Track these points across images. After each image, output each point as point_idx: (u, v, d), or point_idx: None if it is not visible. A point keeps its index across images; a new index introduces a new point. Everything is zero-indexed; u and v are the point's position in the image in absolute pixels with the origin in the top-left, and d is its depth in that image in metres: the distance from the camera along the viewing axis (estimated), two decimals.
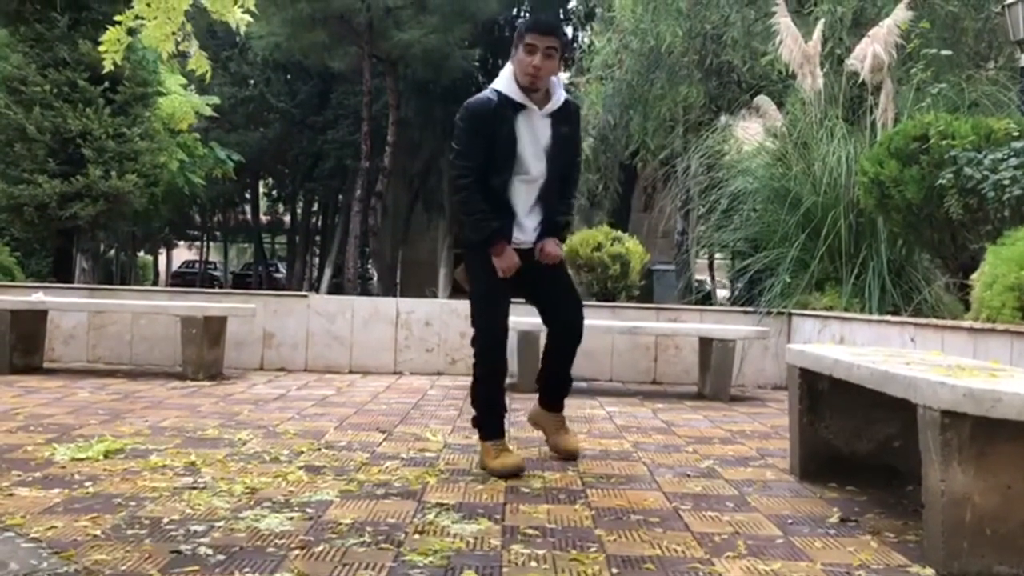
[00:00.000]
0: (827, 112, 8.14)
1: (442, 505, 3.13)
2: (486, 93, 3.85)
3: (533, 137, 3.80)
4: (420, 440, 4.47)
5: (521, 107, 3.77)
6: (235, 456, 3.89)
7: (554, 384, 4.11)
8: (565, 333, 4.00)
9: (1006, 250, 4.76)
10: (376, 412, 5.42)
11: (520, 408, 5.79)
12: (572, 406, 5.87)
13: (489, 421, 3.82)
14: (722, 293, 13.67)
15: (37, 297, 7.30)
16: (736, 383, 7.11)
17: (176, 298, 8.50)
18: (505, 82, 3.81)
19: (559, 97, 3.85)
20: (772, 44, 9.02)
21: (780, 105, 9.07)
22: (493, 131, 3.73)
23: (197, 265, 39.63)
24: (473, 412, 3.88)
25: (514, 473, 3.63)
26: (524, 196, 3.86)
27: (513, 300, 3.92)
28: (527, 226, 3.87)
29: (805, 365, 3.76)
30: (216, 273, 39.49)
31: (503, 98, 3.77)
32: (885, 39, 7.62)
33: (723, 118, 9.88)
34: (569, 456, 4.06)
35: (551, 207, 3.91)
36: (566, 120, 3.89)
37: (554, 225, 3.93)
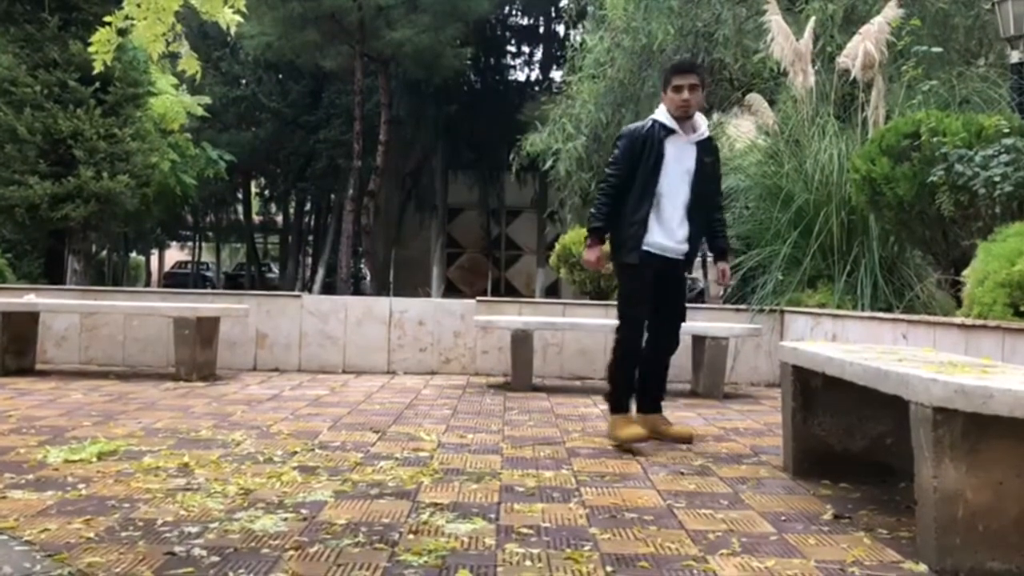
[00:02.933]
0: (819, 110, 8.15)
1: (436, 505, 3.13)
2: (643, 122, 4.65)
3: (678, 158, 4.49)
4: (414, 440, 4.47)
5: (671, 131, 4.50)
6: (229, 457, 3.88)
7: (651, 387, 4.71)
8: (663, 346, 4.71)
9: (997, 246, 4.78)
10: (370, 412, 5.42)
11: (514, 407, 5.80)
12: (566, 404, 5.88)
13: (622, 397, 4.51)
14: (715, 289, 13.68)
15: (29, 299, 7.27)
16: (729, 381, 7.13)
17: (168, 299, 8.48)
18: (662, 114, 4.55)
19: (704, 130, 4.57)
20: (764, 42, 9.03)
21: (772, 103, 9.08)
22: (643, 150, 4.47)
23: (189, 266, 39.50)
24: (608, 388, 4.57)
25: (639, 440, 4.29)
26: (671, 207, 4.49)
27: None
28: (678, 235, 4.51)
29: (798, 362, 3.77)
30: (208, 274, 39.36)
31: (657, 124, 4.52)
32: (876, 36, 7.64)
33: (715, 116, 9.87)
34: (685, 440, 4.56)
35: (703, 225, 4.59)
36: (709, 151, 4.59)
37: (724, 250, 4.78)
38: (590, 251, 4.56)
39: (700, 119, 4.58)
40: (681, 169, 4.47)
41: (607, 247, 4.61)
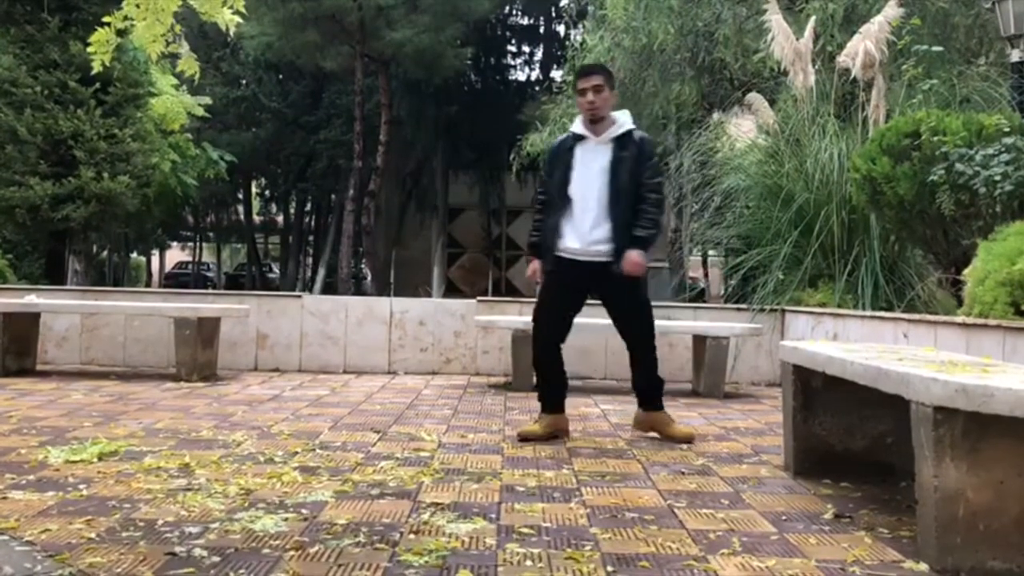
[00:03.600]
0: (819, 109, 8.15)
1: (437, 505, 3.13)
2: (566, 134, 4.76)
3: (587, 161, 4.53)
4: (415, 440, 4.47)
5: (581, 138, 4.59)
6: (229, 457, 3.88)
7: (642, 386, 4.71)
8: (631, 345, 4.69)
9: (998, 245, 4.78)
10: (370, 412, 5.42)
11: (515, 408, 5.80)
12: (567, 404, 5.87)
13: (540, 396, 4.73)
14: (715, 289, 13.68)
15: (30, 299, 7.28)
16: (730, 380, 7.13)
17: (169, 299, 8.48)
18: (577, 122, 4.68)
19: (620, 126, 4.56)
20: (764, 41, 9.03)
21: (772, 102, 9.08)
22: (556, 161, 4.64)
23: (190, 266, 39.51)
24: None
25: (532, 438, 4.50)
26: (582, 211, 4.52)
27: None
28: (590, 237, 4.50)
29: (799, 362, 3.77)
30: (209, 274, 39.36)
31: (571, 134, 4.66)
32: (876, 36, 7.64)
33: (715, 115, 9.88)
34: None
35: (624, 224, 4.46)
36: (627, 146, 4.53)
37: (635, 239, 4.48)
38: (529, 266, 4.77)
39: (619, 118, 4.61)
40: (593, 170, 4.51)
41: (579, 244, 4.60)
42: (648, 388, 4.71)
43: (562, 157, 4.61)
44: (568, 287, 4.61)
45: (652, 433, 4.70)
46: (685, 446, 4.48)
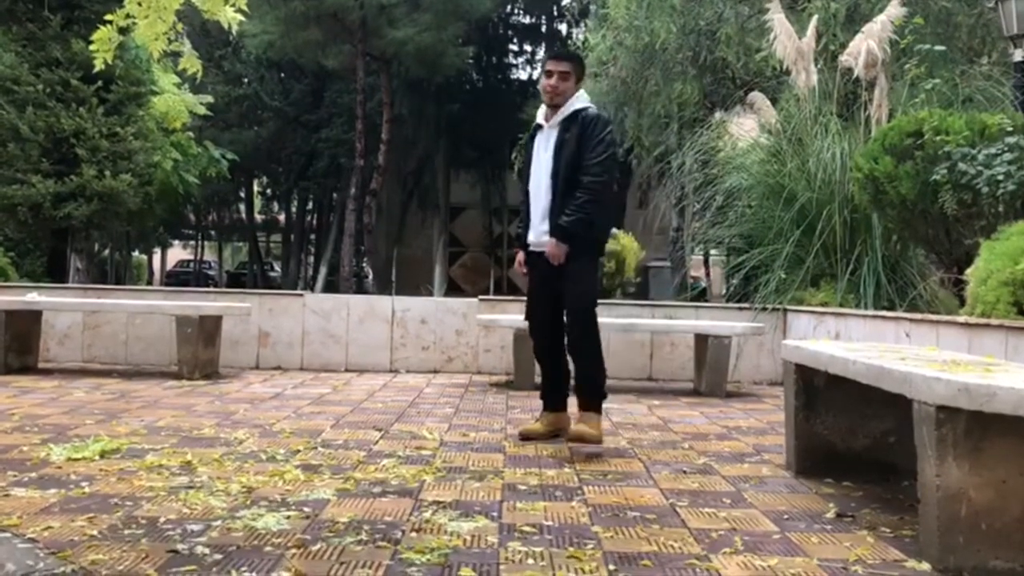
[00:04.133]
0: (821, 108, 8.14)
1: (439, 503, 3.13)
2: None
3: (544, 149, 4.44)
4: (417, 438, 4.47)
5: (540, 127, 4.50)
6: (231, 455, 3.88)
7: (569, 379, 4.55)
8: (566, 328, 4.43)
9: (1000, 245, 4.77)
10: (372, 410, 5.42)
11: (517, 406, 5.80)
12: (569, 403, 5.87)
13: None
14: (717, 288, 13.68)
15: (31, 297, 7.28)
16: (732, 379, 7.12)
17: (171, 297, 8.48)
18: (540, 111, 4.55)
19: (568, 108, 4.38)
20: (766, 40, 9.02)
21: (774, 101, 9.07)
22: (527, 152, 4.59)
23: (192, 264, 39.52)
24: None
25: (522, 436, 4.50)
26: (536, 202, 4.45)
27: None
28: (540, 229, 4.42)
29: (801, 361, 3.76)
30: (211, 272, 39.38)
31: (536, 124, 4.55)
32: (879, 35, 7.63)
33: (718, 115, 9.88)
34: (576, 439, 4.19)
35: (562, 211, 4.30)
36: (571, 126, 4.34)
37: (555, 226, 4.32)
38: (517, 260, 4.69)
39: (574, 100, 4.40)
40: (543, 158, 4.43)
41: (533, 237, 4.52)
42: (570, 384, 4.53)
43: (528, 147, 4.59)
44: (544, 280, 4.46)
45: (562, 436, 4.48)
46: (687, 444, 4.48)
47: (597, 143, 4.29)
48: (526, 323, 4.72)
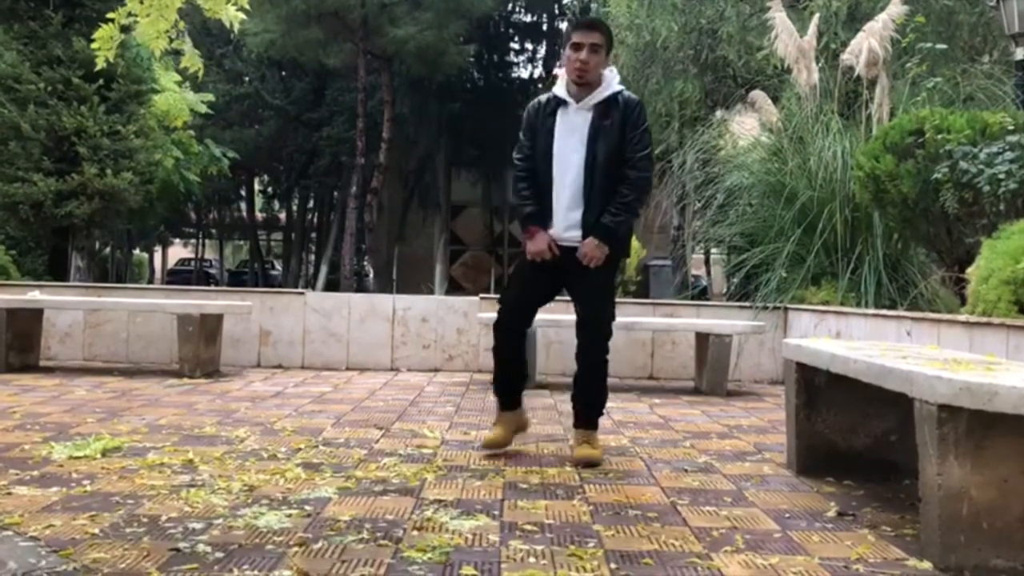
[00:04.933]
0: (822, 107, 8.14)
1: (440, 501, 3.14)
2: (546, 94, 4.12)
3: (568, 130, 3.97)
4: (418, 437, 4.47)
5: (563, 102, 4.01)
6: (233, 454, 3.89)
7: (574, 393, 4.11)
8: (580, 340, 4.05)
9: (1002, 244, 4.77)
10: (373, 409, 5.42)
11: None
12: (569, 402, 5.87)
13: (497, 394, 4.19)
14: (718, 287, 13.68)
15: (33, 295, 7.29)
16: (733, 378, 7.12)
17: (172, 296, 8.49)
18: (560, 82, 4.07)
19: (603, 91, 3.96)
20: (767, 39, 9.03)
21: (775, 100, 9.07)
22: (537, 127, 4.04)
23: (193, 263, 39.54)
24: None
25: (487, 447, 4.06)
26: (561, 189, 3.98)
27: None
28: (565, 221, 3.97)
29: (802, 360, 3.76)
30: (212, 271, 39.42)
31: (552, 96, 4.05)
32: (880, 33, 7.63)
33: (719, 113, 9.88)
34: (585, 463, 3.87)
35: (601, 205, 3.92)
36: (609, 113, 3.94)
37: (599, 225, 3.92)
38: (534, 241, 3.98)
39: (606, 79, 3.99)
40: (571, 143, 3.95)
41: (558, 229, 3.99)
42: (577, 399, 4.10)
43: (544, 123, 4.01)
44: (555, 276, 4.06)
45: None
46: (688, 442, 4.48)
47: (642, 133, 3.97)
48: (505, 303, 4.16)
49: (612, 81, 4.00)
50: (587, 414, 4.05)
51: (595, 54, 3.91)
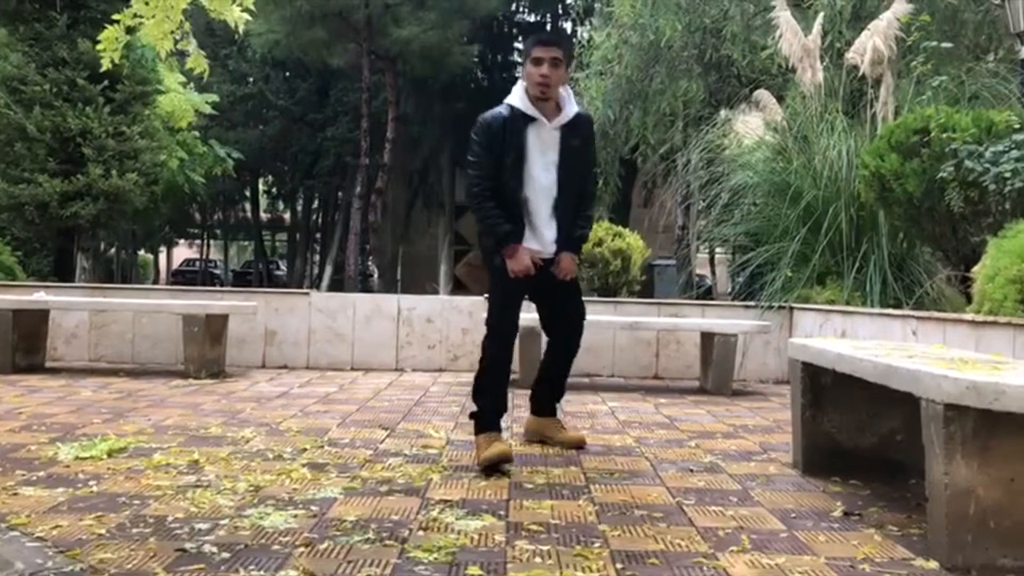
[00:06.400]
0: (827, 106, 8.13)
1: (446, 502, 3.14)
2: (499, 107, 4.03)
3: (542, 150, 3.99)
4: (423, 437, 4.47)
5: (531, 120, 3.96)
6: (238, 454, 3.89)
7: (548, 390, 4.37)
8: (562, 345, 4.30)
9: (1008, 243, 4.76)
10: (378, 409, 5.43)
11: (523, 404, 5.79)
12: (574, 402, 5.88)
13: (487, 414, 3.89)
14: (722, 286, 13.67)
15: (39, 296, 7.30)
16: (738, 378, 7.11)
17: (177, 296, 8.50)
18: (518, 97, 3.99)
19: (569, 111, 4.03)
20: (772, 38, 9.02)
21: (780, 99, 9.06)
22: (503, 143, 3.92)
23: (197, 263, 39.64)
24: (474, 407, 3.97)
25: (499, 460, 3.65)
26: (539, 207, 4.02)
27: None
28: (546, 237, 4.05)
29: (807, 359, 3.76)
30: (216, 271, 39.50)
31: (515, 112, 3.96)
32: (885, 32, 7.62)
33: (723, 112, 9.86)
34: (578, 445, 4.25)
35: (568, 220, 4.07)
36: (576, 133, 4.04)
37: (573, 240, 4.11)
38: (516, 260, 3.91)
39: (565, 97, 4.03)
40: (545, 161, 3.97)
41: (541, 244, 4.04)
42: (553, 393, 4.35)
43: (511, 140, 3.91)
44: (535, 289, 4.15)
45: (541, 439, 4.33)
46: (692, 442, 4.48)
47: (594, 148, 4.29)
48: (538, 321, 4.33)
49: (571, 98, 4.09)
50: (557, 402, 4.38)
51: (556, 68, 3.93)
